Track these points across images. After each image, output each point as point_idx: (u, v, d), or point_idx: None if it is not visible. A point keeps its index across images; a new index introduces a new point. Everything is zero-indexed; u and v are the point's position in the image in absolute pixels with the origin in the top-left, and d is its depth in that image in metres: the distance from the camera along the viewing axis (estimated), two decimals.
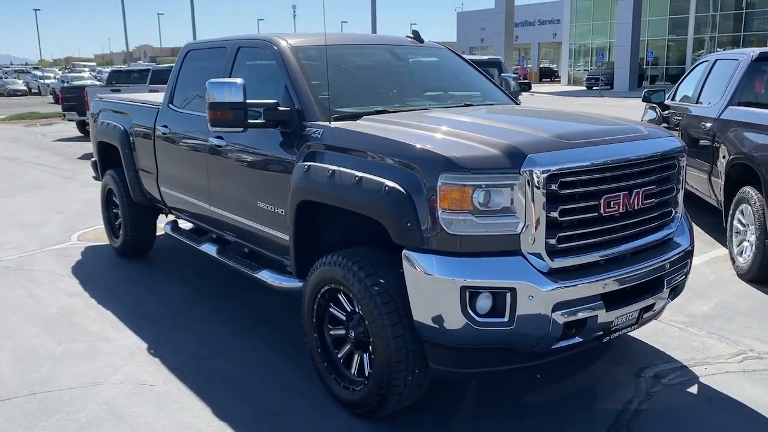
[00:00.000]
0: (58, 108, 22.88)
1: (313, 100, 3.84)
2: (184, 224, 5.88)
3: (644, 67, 43.05)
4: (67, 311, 5.01)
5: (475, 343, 2.97)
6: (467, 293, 2.87)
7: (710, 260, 6.07)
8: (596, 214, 3.08)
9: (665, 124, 7.52)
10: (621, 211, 3.15)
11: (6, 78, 51.62)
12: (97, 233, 7.39)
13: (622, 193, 3.14)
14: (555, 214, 2.94)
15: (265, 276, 4.20)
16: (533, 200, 2.89)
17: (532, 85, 34.21)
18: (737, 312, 4.86)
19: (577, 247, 3.06)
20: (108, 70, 50.42)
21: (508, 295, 2.88)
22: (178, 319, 4.85)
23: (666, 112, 7.86)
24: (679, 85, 8.12)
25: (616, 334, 3.38)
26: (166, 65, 19.90)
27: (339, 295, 3.47)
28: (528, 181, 2.87)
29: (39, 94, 44.80)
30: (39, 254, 6.60)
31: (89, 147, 15.97)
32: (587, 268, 3.10)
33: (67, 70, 55.72)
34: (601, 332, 3.19)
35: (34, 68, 63.25)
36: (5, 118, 24.08)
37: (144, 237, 6.30)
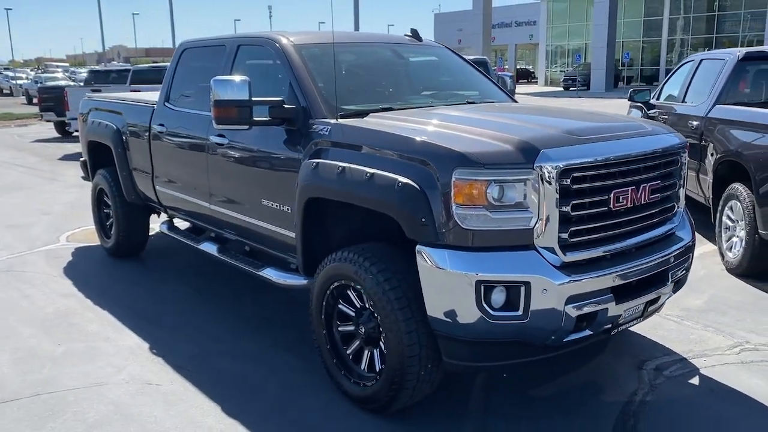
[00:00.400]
0: (33, 109, 22.59)
1: (318, 97, 3.84)
2: (180, 223, 5.84)
3: (619, 68, 43.63)
4: (63, 312, 4.95)
5: (489, 337, 3.00)
6: (482, 287, 2.90)
7: (699, 256, 6.16)
8: (606, 208, 3.13)
9: None
10: (629, 205, 3.22)
11: None
12: (85, 234, 7.30)
13: (630, 188, 3.20)
14: (567, 209, 2.99)
15: (269, 274, 4.19)
16: (546, 195, 2.93)
17: None
18: (730, 306, 4.96)
19: (588, 242, 3.11)
20: (82, 70, 49.82)
21: (523, 289, 2.92)
22: (177, 319, 4.82)
23: (651, 111, 7.98)
24: (664, 85, 8.26)
25: (623, 327, 3.44)
26: (147, 65, 19.70)
27: (348, 292, 3.48)
28: (541, 176, 2.91)
29: (11, 94, 43.96)
30: (28, 255, 6.50)
31: (68, 148, 15.94)
32: (596, 262, 3.15)
33: (40, 71, 54.75)
34: (610, 325, 3.25)
35: (5, 69, 62.06)
36: None
37: (137, 237, 6.25)
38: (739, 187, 5.61)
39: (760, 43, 35.25)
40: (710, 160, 6.14)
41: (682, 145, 3.60)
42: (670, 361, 4.04)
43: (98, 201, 6.54)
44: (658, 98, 8.20)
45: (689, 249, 3.66)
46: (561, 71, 48.60)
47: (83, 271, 6.01)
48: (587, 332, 3.16)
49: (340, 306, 3.57)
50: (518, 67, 62.29)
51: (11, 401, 3.62)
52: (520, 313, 2.94)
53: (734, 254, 5.69)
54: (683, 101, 7.26)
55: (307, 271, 3.83)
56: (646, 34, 44.58)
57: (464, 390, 3.70)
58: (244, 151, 4.23)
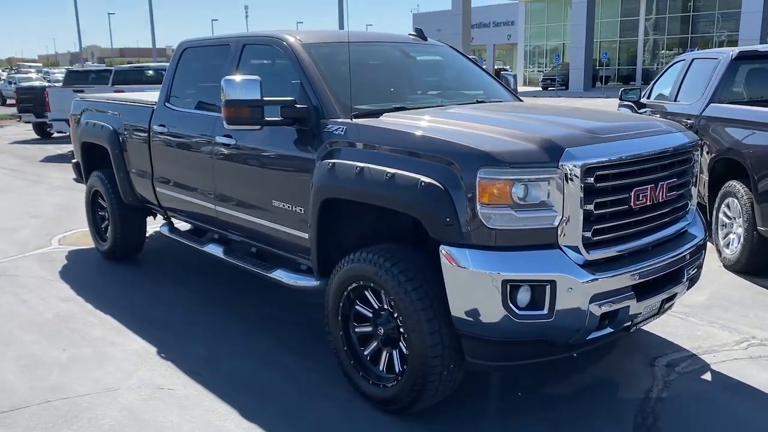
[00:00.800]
0: (8, 110, 22.13)
1: (331, 97, 3.81)
2: (180, 225, 5.77)
3: (597, 68, 44.09)
4: (63, 317, 4.86)
5: (514, 336, 3.00)
6: (508, 287, 2.90)
7: None
8: (626, 206, 3.15)
9: None
10: (648, 203, 3.24)
11: None
12: (77, 237, 7.18)
13: (649, 186, 3.23)
14: (591, 207, 3.00)
15: (280, 275, 4.15)
16: (570, 193, 2.94)
17: None
18: (731, 301, 5.03)
19: (610, 240, 3.13)
20: (56, 70, 48.90)
21: (548, 287, 2.92)
22: (181, 321, 4.76)
23: (642, 110, 8.06)
24: (654, 84, 8.35)
25: (641, 325, 3.47)
26: (128, 66, 19.45)
27: (366, 292, 3.46)
28: (565, 174, 2.92)
29: None
30: (21, 259, 6.37)
31: (50, 150, 15.69)
32: (617, 260, 3.17)
33: (13, 71, 53.75)
34: (629, 323, 3.27)
35: None
36: None
37: (134, 239, 6.16)
38: (736, 185, 5.68)
39: (734, 42, 35.85)
40: (705, 159, 6.21)
41: (695, 143, 3.64)
42: (681, 358, 4.08)
43: (93, 203, 6.42)
44: (648, 97, 8.28)
45: (702, 246, 3.70)
46: (539, 71, 48.96)
47: (79, 274, 5.91)
48: (608, 330, 3.17)
49: (357, 307, 3.55)
50: (496, 67, 62.60)
51: (21, 408, 3.54)
52: (545, 312, 2.94)
53: (732, 251, 5.76)
54: (675, 100, 7.34)
55: (321, 272, 3.80)
56: (622, 35, 45.10)
57: (481, 390, 3.70)
58: (254, 152, 4.18)
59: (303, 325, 4.64)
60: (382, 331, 3.42)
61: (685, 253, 3.48)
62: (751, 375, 3.84)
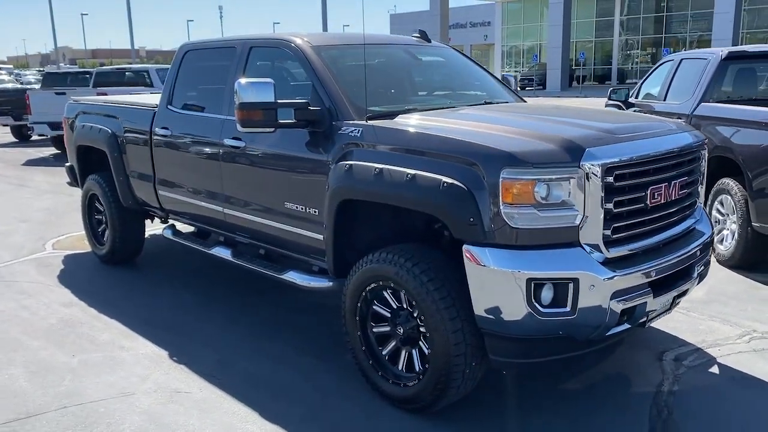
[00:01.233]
0: None
1: (345, 99, 3.84)
2: (182, 228, 5.75)
3: (573, 67, 44.57)
4: (69, 322, 4.82)
5: (537, 334, 3.05)
6: (532, 285, 2.95)
7: None
8: (643, 204, 3.23)
9: None
10: (662, 201, 3.32)
11: None
12: (71, 241, 7.11)
13: (663, 185, 3.31)
14: (610, 206, 3.06)
15: (293, 277, 4.16)
16: (591, 192, 3.00)
17: None
18: (729, 296, 5.15)
19: (627, 237, 3.20)
20: (27, 72, 48.06)
21: (571, 285, 2.98)
22: (188, 325, 4.74)
23: (630, 109, 8.19)
24: (642, 84, 8.49)
25: (654, 320, 3.54)
26: (109, 67, 19.22)
27: (385, 293, 3.50)
28: (586, 174, 2.98)
29: None
30: (16, 265, 6.29)
31: (31, 153, 15.46)
32: (633, 257, 3.23)
33: None
34: (645, 318, 3.34)
35: None
36: None
37: (133, 243, 6.11)
38: (729, 182, 5.82)
39: (707, 42, 36.51)
40: None
41: (703, 142, 3.73)
42: (687, 352, 4.17)
43: (89, 207, 6.36)
44: (636, 97, 8.42)
45: (710, 243, 3.80)
46: (516, 71, 49.35)
47: (78, 279, 5.85)
48: (626, 326, 3.24)
49: (375, 307, 3.58)
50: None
51: (38, 415, 3.51)
52: (568, 309, 3.00)
53: (726, 247, 5.89)
54: (664, 100, 7.47)
55: (337, 273, 3.82)
56: (598, 35, 45.63)
57: (497, 387, 3.75)
58: (264, 154, 4.19)
59: (312, 326, 4.65)
60: (401, 330, 3.45)
61: (695, 250, 3.57)
62: (756, 367, 3.94)
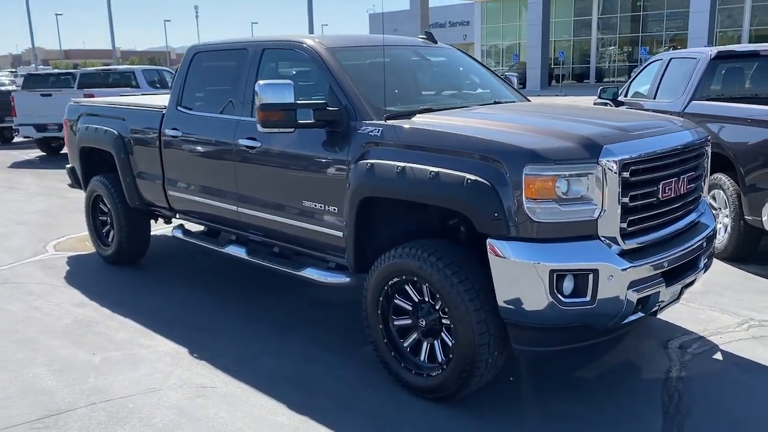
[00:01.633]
0: None
1: (362, 99, 3.95)
2: (190, 227, 5.81)
3: (552, 66, 45.07)
4: (83, 321, 4.87)
5: (558, 323, 3.20)
6: (555, 276, 3.09)
7: None
8: (655, 198, 3.39)
9: None
10: (672, 195, 3.48)
11: None
12: (72, 243, 7.13)
13: (673, 179, 3.47)
14: (626, 200, 3.21)
15: (311, 273, 4.27)
16: (608, 187, 3.14)
17: None
18: (725, 287, 5.35)
19: (641, 230, 3.35)
20: (0, 74, 47.30)
21: (591, 276, 3.12)
22: (204, 323, 4.82)
23: (620, 108, 8.40)
24: (630, 83, 8.71)
25: (664, 309, 3.71)
26: (94, 68, 19.07)
27: (406, 286, 3.62)
28: (604, 170, 3.13)
29: None
30: (20, 267, 6.31)
31: (15, 155, 15.34)
32: (646, 249, 3.39)
33: None
34: (657, 307, 3.50)
35: None
36: None
37: (140, 243, 6.16)
38: (721, 177, 6.02)
39: (683, 40, 37.16)
40: None
41: (706, 139, 3.91)
42: (690, 340, 4.35)
43: (93, 208, 6.40)
44: (625, 95, 8.63)
45: (713, 235, 3.97)
46: (496, 70, 49.68)
47: (85, 280, 5.88)
48: (640, 314, 3.40)
49: (396, 301, 3.70)
50: None
51: (69, 411, 3.57)
52: (588, 299, 3.15)
53: (719, 240, 6.09)
54: (654, 98, 7.68)
55: (357, 269, 3.93)
56: (576, 33, 46.17)
57: (516, 375, 3.89)
58: (282, 154, 4.28)
59: (327, 322, 4.76)
60: (423, 323, 3.57)
61: (701, 242, 3.74)
62: (757, 353, 4.13)
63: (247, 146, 4.48)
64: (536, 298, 3.13)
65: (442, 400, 3.56)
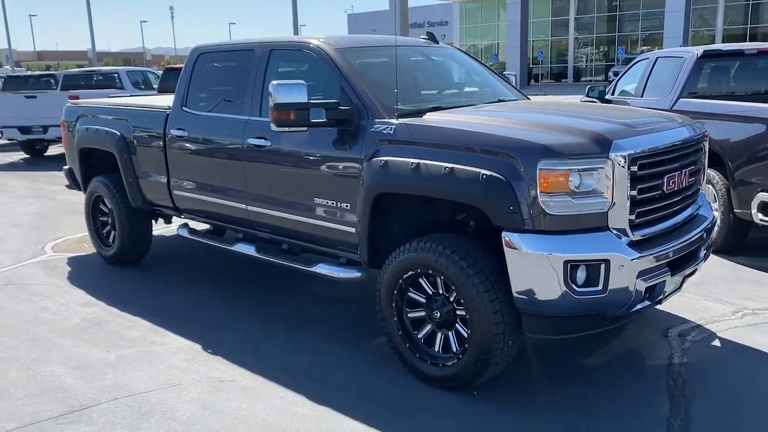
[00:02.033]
0: None
1: (374, 98, 4.05)
2: (195, 226, 5.86)
3: (531, 66, 45.52)
4: (93, 321, 4.91)
5: (571, 312, 3.33)
6: (569, 267, 3.23)
7: None
8: (661, 191, 3.54)
9: None
10: (676, 188, 3.64)
11: None
12: (70, 244, 7.14)
13: (677, 173, 3.63)
14: (634, 192, 3.36)
15: (323, 269, 4.36)
16: (618, 181, 3.29)
17: None
18: (718, 278, 5.54)
19: (648, 221, 3.50)
20: None
21: (603, 266, 3.26)
22: (215, 320, 4.89)
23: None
24: (617, 82, 8.91)
25: (668, 298, 3.87)
26: (78, 70, 18.91)
27: (420, 280, 3.73)
28: (614, 164, 3.27)
29: None
30: (21, 268, 6.31)
31: None
32: (651, 240, 3.54)
33: None
34: (661, 296, 3.66)
35: None
36: None
37: (142, 243, 6.20)
38: (710, 172, 6.21)
39: (659, 40, 37.78)
40: None
41: (704, 134, 4.08)
42: (689, 328, 4.52)
43: (93, 209, 6.42)
44: (612, 94, 8.83)
45: (712, 227, 4.14)
46: None
47: (88, 280, 5.91)
48: (647, 303, 3.55)
49: (410, 294, 3.81)
50: None
51: (92, 407, 3.63)
52: (599, 288, 3.29)
53: None
54: (642, 96, 7.88)
55: (371, 264, 4.03)
56: (554, 33, 46.72)
57: (526, 363, 4.02)
58: (292, 153, 4.37)
59: (336, 316, 4.86)
60: (437, 314, 3.69)
61: (701, 233, 3.90)
62: (753, 340, 4.31)
63: (256, 145, 4.56)
64: (550, 287, 3.26)
65: (457, 389, 3.68)
